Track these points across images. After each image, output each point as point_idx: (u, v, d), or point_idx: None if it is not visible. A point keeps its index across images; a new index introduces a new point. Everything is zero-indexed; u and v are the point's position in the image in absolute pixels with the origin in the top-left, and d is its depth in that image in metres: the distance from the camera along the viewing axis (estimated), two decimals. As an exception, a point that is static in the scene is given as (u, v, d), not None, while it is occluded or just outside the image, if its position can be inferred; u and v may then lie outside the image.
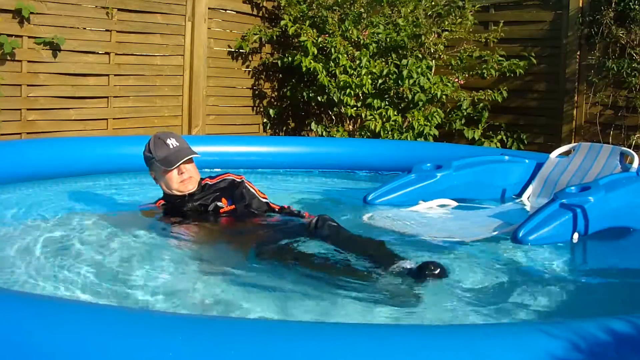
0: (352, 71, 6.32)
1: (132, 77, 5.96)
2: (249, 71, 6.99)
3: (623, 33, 5.92)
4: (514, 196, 4.17)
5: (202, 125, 6.46)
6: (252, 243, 2.70)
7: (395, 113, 6.33)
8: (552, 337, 1.49)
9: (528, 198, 4.05)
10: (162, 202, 3.09)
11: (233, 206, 3.04)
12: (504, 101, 6.60)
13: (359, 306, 2.18)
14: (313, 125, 6.68)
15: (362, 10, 6.42)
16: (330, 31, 6.36)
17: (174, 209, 3.03)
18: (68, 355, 1.45)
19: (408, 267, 2.38)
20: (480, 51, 6.59)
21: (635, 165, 3.67)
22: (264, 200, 3.15)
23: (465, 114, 6.73)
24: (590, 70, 6.24)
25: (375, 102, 6.37)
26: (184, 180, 2.98)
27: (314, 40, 6.34)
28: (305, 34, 6.35)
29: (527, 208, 3.89)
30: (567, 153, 4.22)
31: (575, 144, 4.21)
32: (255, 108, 7.08)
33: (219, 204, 3.02)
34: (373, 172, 5.20)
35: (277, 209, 3.14)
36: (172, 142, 2.98)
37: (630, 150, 3.80)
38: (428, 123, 6.32)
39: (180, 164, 2.95)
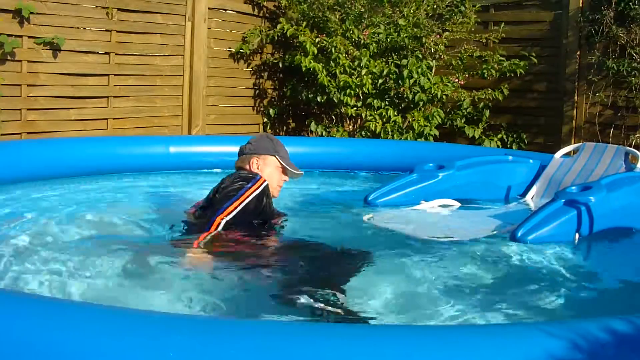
0: (352, 71, 6.31)
1: (132, 77, 5.95)
2: (249, 71, 6.98)
3: (623, 33, 5.92)
4: (518, 196, 4.16)
5: (202, 125, 6.45)
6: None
7: (396, 113, 6.33)
8: (552, 337, 1.49)
9: (532, 198, 4.03)
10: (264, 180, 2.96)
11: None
12: (504, 100, 6.60)
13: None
14: (313, 126, 6.67)
15: (362, 10, 6.42)
16: (332, 29, 6.35)
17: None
18: (69, 355, 1.44)
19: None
20: (480, 51, 6.59)
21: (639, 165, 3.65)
22: None
23: (465, 113, 6.73)
24: (590, 70, 6.24)
25: (375, 102, 6.37)
26: (280, 187, 3.09)
27: (313, 40, 6.34)
28: (302, 35, 6.35)
29: (531, 208, 3.87)
30: (571, 153, 4.20)
31: (579, 144, 4.19)
32: (255, 108, 7.08)
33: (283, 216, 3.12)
34: (373, 172, 5.19)
35: None
36: (286, 151, 3.11)
37: (635, 150, 3.78)
38: (428, 123, 6.32)
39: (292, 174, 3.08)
